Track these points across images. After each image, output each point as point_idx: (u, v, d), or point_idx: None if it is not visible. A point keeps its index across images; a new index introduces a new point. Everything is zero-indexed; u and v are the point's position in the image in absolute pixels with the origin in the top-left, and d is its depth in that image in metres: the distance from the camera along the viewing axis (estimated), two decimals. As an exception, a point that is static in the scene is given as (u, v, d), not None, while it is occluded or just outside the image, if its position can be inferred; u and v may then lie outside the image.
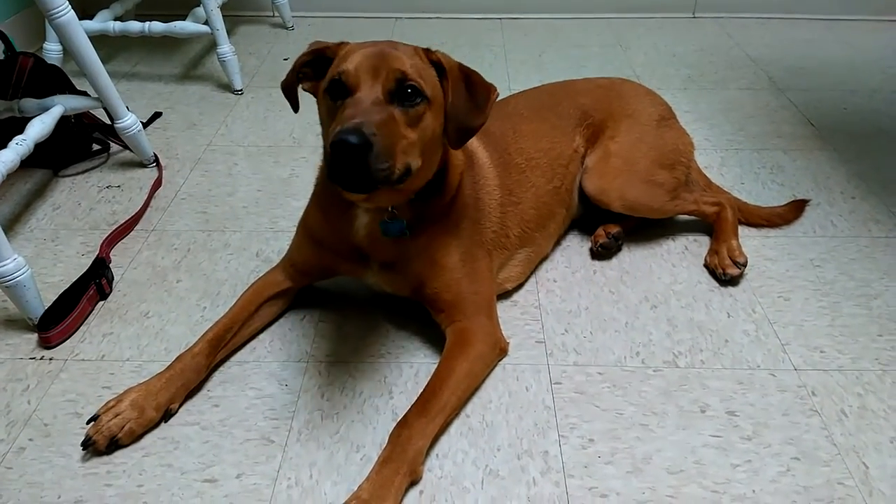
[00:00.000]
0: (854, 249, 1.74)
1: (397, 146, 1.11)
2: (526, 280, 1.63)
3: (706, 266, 1.67)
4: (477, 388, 1.35)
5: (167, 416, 1.28)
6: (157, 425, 1.27)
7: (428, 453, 1.21)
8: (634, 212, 1.68)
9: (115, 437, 1.21)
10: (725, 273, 1.61)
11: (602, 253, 1.70)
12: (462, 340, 1.33)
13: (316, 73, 1.26)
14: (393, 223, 1.32)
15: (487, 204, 1.47)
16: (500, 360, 1.41)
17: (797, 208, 1.85)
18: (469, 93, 1.23)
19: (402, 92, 1.14)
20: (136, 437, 1.24)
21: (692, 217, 1.78)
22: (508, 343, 1.43)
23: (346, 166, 1.05)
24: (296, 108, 1.32)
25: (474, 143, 1.48)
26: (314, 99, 1.27)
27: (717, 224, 1.72)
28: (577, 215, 1.77)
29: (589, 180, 1.67)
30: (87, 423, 1.24)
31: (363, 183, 1.09)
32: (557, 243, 1.75)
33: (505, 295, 1.58)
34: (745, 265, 1.62)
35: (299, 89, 1.29)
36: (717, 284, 1.62)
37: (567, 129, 1.68)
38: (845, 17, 3.25)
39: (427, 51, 1.23)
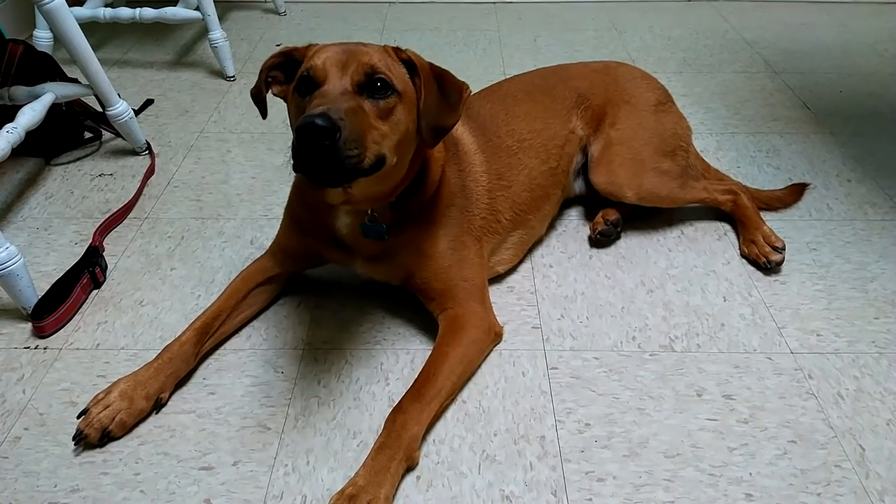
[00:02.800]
0: (850, 232, 1.74)
1: (367, 134, 1.08)
2: (519, 263, 1.62)
3: (745, 257, 1.65)
4: (472, 374, 1.35)
5: (158, 406, 1.28)
6: (148, 415, 1.27)
7: (424, 439, 1.21)
8: (646, 202, 1.66)
9: (107, 430, 1.21)
10: (770, 261, 1.59)
11: (601, 240, 1.69)
12: (455, 326, 1.33)
13: (286, 77, 1.25)
14: (373, 226, 1.31)
15: (474, 191, 1.45)
16: (494, 345, 1.41)
17: (797, 192, 1.84)
18: (441, 91, 1.22)
19: (371, 85, 1.13)
20: (127, 429, 1.24)
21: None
22: (503, 328, 1.43)
23: (313, 153, 1.01)
24: (264, 113, 1.30)
25: (459, 128, 1.47)
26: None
27: (738, 213, 1.70)
28: (570, 195, 1.76)
29: (596, 173, 1.66)
30: (77, 417, 1.23)
31: (332, 172, 1.05)
32: (553, 227, 1.74)
33: (501, 280, 1.58)
34: (784, 249, 1.61)
35: (269, 95, 1.28)
36: (713, 269, 1.62)
37: (562, 111, 1.66)
38: (841, 0, 3.24)
39: (397, 49, 1.22)
